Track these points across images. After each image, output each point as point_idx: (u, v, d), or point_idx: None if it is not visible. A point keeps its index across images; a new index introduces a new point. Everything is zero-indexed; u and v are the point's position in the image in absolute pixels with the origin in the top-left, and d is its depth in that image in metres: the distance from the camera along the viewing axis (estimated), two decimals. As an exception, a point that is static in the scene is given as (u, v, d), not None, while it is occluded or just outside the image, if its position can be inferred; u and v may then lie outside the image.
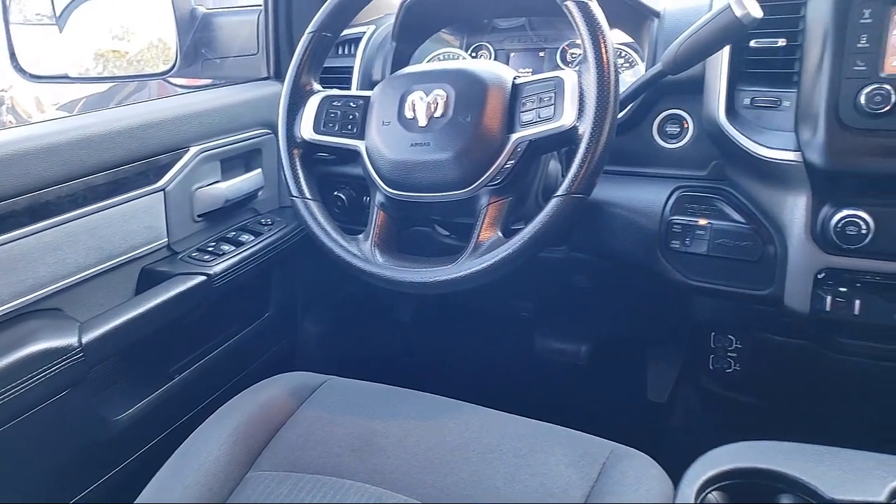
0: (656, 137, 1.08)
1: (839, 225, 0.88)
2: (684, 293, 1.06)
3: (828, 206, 0.90)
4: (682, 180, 1.06)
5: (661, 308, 1.28)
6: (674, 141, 1.07)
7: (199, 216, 1.22)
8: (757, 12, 0.84)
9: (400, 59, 1.30)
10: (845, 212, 0.88)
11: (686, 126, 1.06)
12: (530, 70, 1.33)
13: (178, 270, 1.13)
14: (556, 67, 1.28)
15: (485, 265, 0.84)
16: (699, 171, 1.06)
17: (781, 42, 0.93)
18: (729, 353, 1.17)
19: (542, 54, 1.35)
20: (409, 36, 1.31)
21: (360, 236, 0.95)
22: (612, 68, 0.81)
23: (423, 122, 0.90)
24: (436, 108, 0.90)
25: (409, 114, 0.91)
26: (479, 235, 0.87)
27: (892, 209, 0.86)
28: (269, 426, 0.89)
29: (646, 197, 1.06)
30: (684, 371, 1.44)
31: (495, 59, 1.36)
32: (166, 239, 1.16)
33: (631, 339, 1.56)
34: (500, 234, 0.88)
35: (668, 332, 1.43)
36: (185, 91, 1.44)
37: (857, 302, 0.89)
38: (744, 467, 0.64)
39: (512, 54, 1.39)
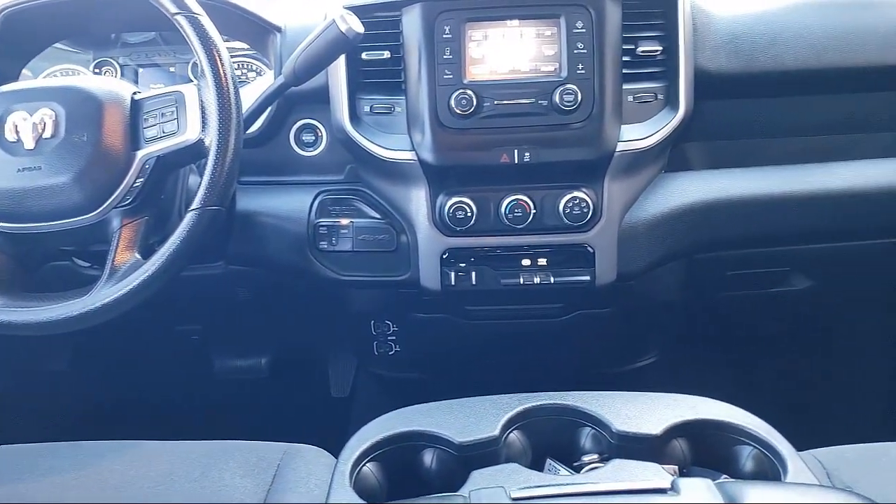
0: (294, 146, 1.13)
1: (451, 211, 1.02)
2: (340, 289, 1.13)
3: (442, 195, 1.04)
4: (323, 185, 1.12)
5: (325, 307, 1.35)
6: (310, 149, 1.13)
7: None
8: (359, 28, 0.93)
9: (4, 78, 1.15)
10: (454, 199, 1.03)
11: (320, 134, 1.13)
12: (162, 85, 1.28)
13: None
14: (188, 82, 1.26)
15: (124, 291, 0.80)
16: (337, 176, 1.14)
17: (386, 55, 1.04)
18: (389, 338, 1.29)
19: (172, 69, 1.32)
20: (14, 51, 1.17)
21: None
22: (230, 81, 0.83)
23: (29, 144, 0.82)
24: (44, 129, 0.83)
25: (10, 136, 0.83)
26: (114, 260, 0.83)
27: (486, 194, 1.03)
28: None
29: (292, 204, 1.11)
30: (359, 362, 1.54)
31: (121, 74, 1.29)
32: None
33: (308, 341, 1.61)
34: (138, 256, 0.84)
35: (339, 328, 1.50)
36: None
37: (474, 273, 1.05)
38: (389, 435, 0.71)
39: (140, 70, 1.33)
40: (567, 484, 0.53)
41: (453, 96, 0.97)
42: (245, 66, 1.27)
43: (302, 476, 0.80)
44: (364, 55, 1.04)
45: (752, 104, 1.24)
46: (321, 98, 1.08)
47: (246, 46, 1.23)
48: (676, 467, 0.68)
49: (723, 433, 0.70)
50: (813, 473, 0.63)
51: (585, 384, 0.78)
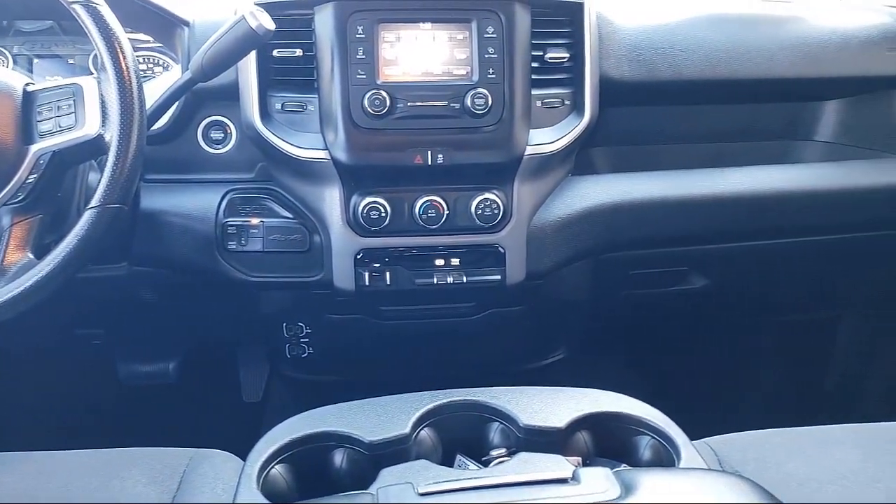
0: (202, 144, 1.10)
1: (365, 211, 1.02)
2: (250, 290, 1.11)
3: (356, 195, 1.04)
4: (232, 184, 1.10)
5: (235, 309, 1.32)
6: (219, 146, 1.11)
7: None
8: (269, 24, 0.92)
9: None
10: (368, 199, 1.03)
11: (229, 131, 1.11)
12: (59, 77, 1.22)
13: None
14: (89, 74, 1.20)
15: (15, 292, 0.76)
16: (247, 174, 1.12)
17: (298, 52, 1.03)
18: (302, 340, 1.27)
19: (72, 61, 1.26)
20: None
21: None
22: (132, 74, 0.80)
23: None
24: None
25: None
26: (3, 260, 0.78)
27: (400, 195, 1.04)
28: None
29: (199, 203, 1.08)
30: (271, 366, 1.51)
31: (14, 64, 1.22)
32: None
33: (218, 345, 1.56)
34: (31, 255, 0.80)
35: (250, 331, 1.47)
36: None
37: (388, 274, 1.06)
38: (298, 436, 0.71)
39: (36, 60, 1.26)
40: (472, 478, 0.54)
41: (367, 96, 0.98)
42: (150, 61, 1.22)
43: (208, 481, 0.78)
44: (275, 52, 1.03)
45: (653, 112, 1.31)
46: (231, 95, 1.05)
47: (151, 40, 1.19)
48: (580, 458, 0.71)
49: (623, 424, 0.73)
50: (704, 459, 0.67)
51: (498, 381, 0.80)
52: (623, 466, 0.66)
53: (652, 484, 0.53)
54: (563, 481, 0.54)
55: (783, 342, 1.70)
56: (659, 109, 1.31)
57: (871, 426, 0.93)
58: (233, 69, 1.00)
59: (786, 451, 0.88)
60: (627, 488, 0.53)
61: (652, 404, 0.76)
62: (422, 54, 1.00)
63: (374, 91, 0.98)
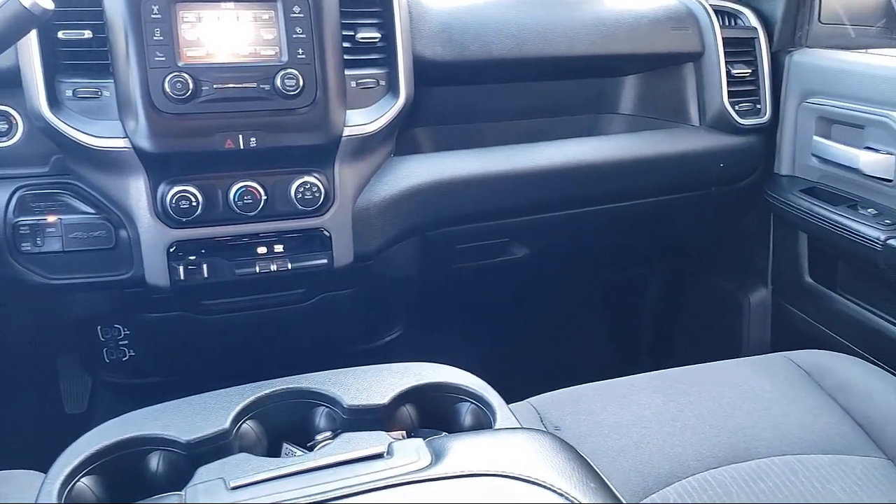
0: None
1: (174, 201, 0.97)
2: (53, 294, 1.02)
3: (163, 185, 0.98)
4: (22, 179, 1.00)
5: (42, 315, 1.21)
6: (3, 139, 1.00)
7: None
8: (47, 3, 0.83)
9: None
10: (178, 188, 0.97)
11: (14, 122, 1.00)
12: None
13: None
14: None
15: None
16: (41, 168, 1.02)
17: (88, 34, 0.95)
18: (120, 343, 1.19)
19: None
20: None
21: None
22: None
23: None
24: None
25: None
26: None
27: (212, 182, 0.99)
28: None
29: None
30: (92, 373, 1.40)
31: None
32: None
33: (32, 355, 1.43)
34: None
35: (63, 338, 1.36)
36: None
37: (205, 266, 1.01)
38: (106, 445, 0.66)
39: None
40: (285, 465, 0.54)
41: (167, 80, 0.92)
42: None
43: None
44: (61, 34, 0.94)
45: (470, 91, 1.35)
46: (12, 82, 0.95)
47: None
48: (404, 432, 0.72)
49: (444, 394, 0.76)
50: (525, 418, 0.70)
51: (335, 365, 0.79)
52: (443, 435, 0.68)
53: (461, 448, 0.56)
54: (377, 457, 0.55)
55: (601, 301, 1.84)
56: (476, 88, 1.35)
57: (672, 371, 1.03)
58: (12, 53, 0.90)
59: (600, 402, 0.96)
60: (437, 455, 0.55)
61: (484, 372, 0.79)
62: (226, 35, 0.96)
63: (174, 74, 0.92)
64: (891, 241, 1.10)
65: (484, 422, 0.73)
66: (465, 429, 0.74)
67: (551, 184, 1.24)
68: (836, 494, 0.80)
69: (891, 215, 1.15)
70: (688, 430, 0.89)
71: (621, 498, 0.53)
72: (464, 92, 1.35)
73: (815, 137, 1.28)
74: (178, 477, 0.65)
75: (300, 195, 1.02)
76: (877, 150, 1.16)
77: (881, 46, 1.36)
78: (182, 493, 0.55)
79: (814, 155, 1.30)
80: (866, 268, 1.22)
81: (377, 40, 1.07)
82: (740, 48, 1.33)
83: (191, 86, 0.93)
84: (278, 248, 1.05)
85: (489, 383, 0.75)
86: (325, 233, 1.06)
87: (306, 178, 1.03)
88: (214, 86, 0.95)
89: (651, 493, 0.80)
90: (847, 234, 1.18)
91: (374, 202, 1.10)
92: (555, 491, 0.50)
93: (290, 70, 0.96)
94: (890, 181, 1.15)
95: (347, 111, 1.04)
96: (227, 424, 0.69)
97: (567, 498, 0.50)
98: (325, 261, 1.07)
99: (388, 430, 0.69)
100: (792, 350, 1.07)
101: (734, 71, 1.32)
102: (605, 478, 0.56)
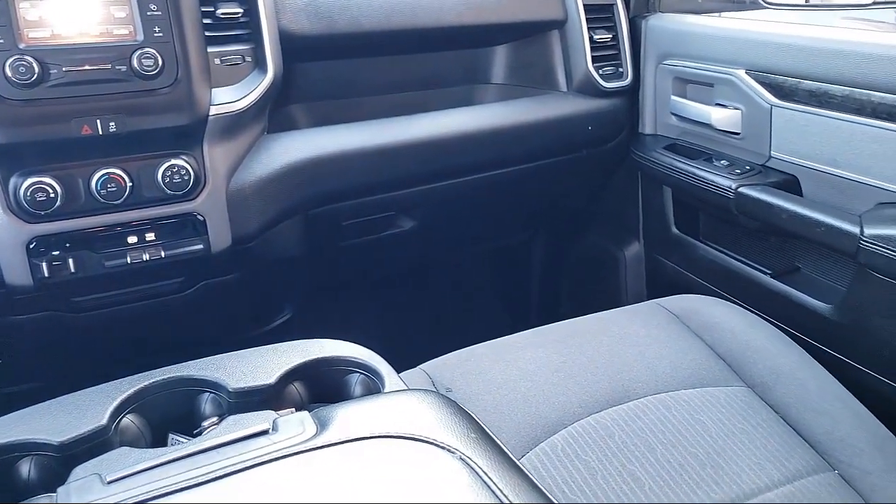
0: None
1: (29, 193, 0.91)
2: None
3: (15, 177, 0.91)
4: None
5: None
6: None
7: None
8: None
9: None
10: (32, 180, 0.91)
11: None
12: None
13: None
14: None
15: None
16: None
17: None
18: (-15, 351, 1.11)
19: None
20: None
21: None
22: None
23: None
24: None
25: None
26: None
27: (71, 171, 0.94)
28: None
29: None
30: None
31: None
32: None
33: None
34: None
35: None
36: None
37: (71, 260, 0.96)
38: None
39: None
40: (167, 453, 0.53)
41: (8, 64, 0.85)
42: None
43: None
44: None
45: (344, 65, 1.34)
46: None
47: None
48: (293, 409, 0.72)
49: (333, 368, 0.76)
50: (407, 385, 0.72)
51: (226, 352, 0.77)
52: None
53: (345, 414, 0.56)
54: (262, 434, 0.55)
55: (489, 267, 1.89)
56: (350, 63, 1.34)
57: (556, 326, 1.08)
58: None
59: (488, 361, 0.99)
60: (323, 424, 0.55)
61: (379, 345, 0.79)
62: (73, 15, 0.90)
63: (16, 57, 0.86)
64: (741, 189, 1.19)
65: (374, 390, 0.74)
66: (356, 399, 0.74)
67: (429, 155, 1.26)
68: (705, 423, 0.87)
69: (741, 165, 1.25)
70: (571, 380, 0.94)
71: (504, 446, 0.56)
72: (338, 67, 1.33)
73: (673, 97, 1.37)
74: (54, 481, 0.62)
75: (168, 179, 0.98)
76: (725, 106, 1.26)
77: (727, 10, 1.46)
78: (54, 493, 0.52)
79: (672, 113, 1.38)
80: (722, 215, 1.32)
81: (240, 15, 1.04)
82: (601, 14, 1.39)
83: (36, 70, 0.86)
84: (150, 236, 1.00)
85: (385, 356, 0.76)
86: (199, 217, 1.03)
87: (174, 161, 0.99)
88: (64, 69, 0.88)
89: (540, 442, 0.84)
90: (704, 186, 1.27)
91: (249, 182, 1.07)
92: (438, 445, 0.51)
93: (147, 49, 0.92)
94: (738, 134, 1.24)
95: (213, 89, 1.01)
96: (104, 421, 0.66)
97: (451, 451, 0.51)
98: (200, 246, 1.03)
99: (276, 409, 0.69)
100: (664, 297, 1.15)
101: (596, 37, 1.37)
102: (488, 429, 0.59)
